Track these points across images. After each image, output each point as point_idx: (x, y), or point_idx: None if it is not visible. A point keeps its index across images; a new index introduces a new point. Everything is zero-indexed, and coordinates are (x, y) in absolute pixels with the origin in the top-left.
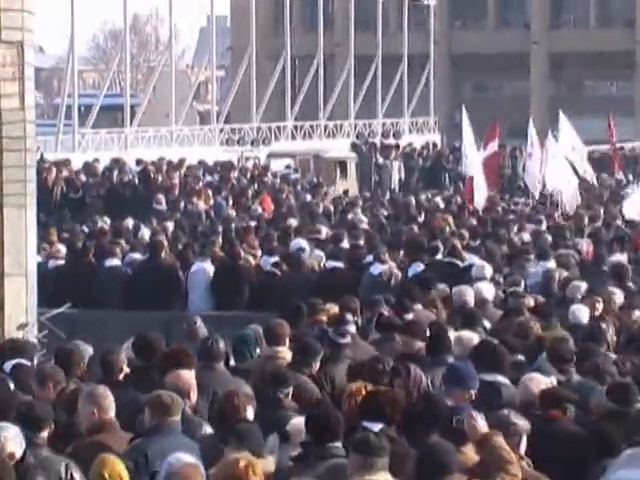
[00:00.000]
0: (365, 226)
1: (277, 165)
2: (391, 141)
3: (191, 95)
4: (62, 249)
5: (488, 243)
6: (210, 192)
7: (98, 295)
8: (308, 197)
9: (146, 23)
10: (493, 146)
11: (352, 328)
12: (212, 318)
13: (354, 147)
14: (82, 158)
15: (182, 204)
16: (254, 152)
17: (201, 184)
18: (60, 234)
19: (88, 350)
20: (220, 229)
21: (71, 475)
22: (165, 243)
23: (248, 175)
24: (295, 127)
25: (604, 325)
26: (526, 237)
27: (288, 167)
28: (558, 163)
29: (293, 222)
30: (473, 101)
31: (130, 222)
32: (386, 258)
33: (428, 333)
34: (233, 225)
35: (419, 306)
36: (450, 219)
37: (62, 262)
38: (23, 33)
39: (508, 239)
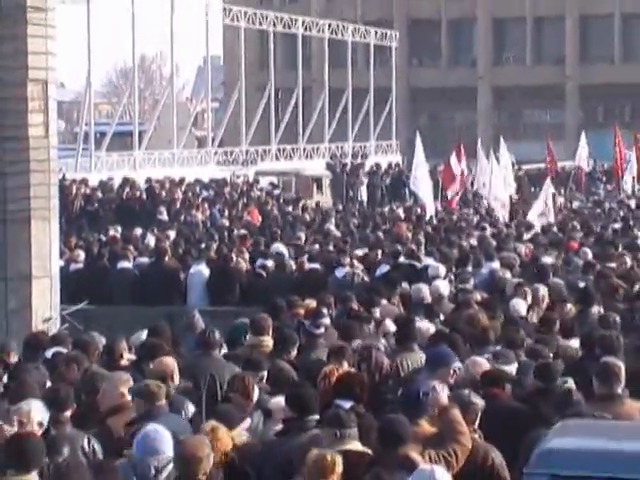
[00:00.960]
0: (337, 233)
1: (263, 182)
2: (359, 161)
3: (190, 123)
4: (81, 254)
5: (442, 247)
6: (206, 205)
7: (111, 293)
8: (289, 209)
9: (152, 62)
10: (459, 167)
11: (327, 320)
12: (207, 312)
13: (328, 166)
14: (97, 177)
15: (182, 215)
16: (244, 171)
17: (199, 198)
18: (79, 241)
19: (102, 340)
20: (215, 236)
21: (93, 448)
22: (168, 249)
23: (238, 190)
24: (278, 149)
25: (532, 314)
26: (473, 242)
27: (272, 184)
28: (499, 180)
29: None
30: (429, 128)
31: (138, 231)
32: (352, 262)
33: (396, 324)
34: (226, 233)
35: (384, 301)
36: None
37: (80, 265)
38: (47, 72)
39: (458, 244)
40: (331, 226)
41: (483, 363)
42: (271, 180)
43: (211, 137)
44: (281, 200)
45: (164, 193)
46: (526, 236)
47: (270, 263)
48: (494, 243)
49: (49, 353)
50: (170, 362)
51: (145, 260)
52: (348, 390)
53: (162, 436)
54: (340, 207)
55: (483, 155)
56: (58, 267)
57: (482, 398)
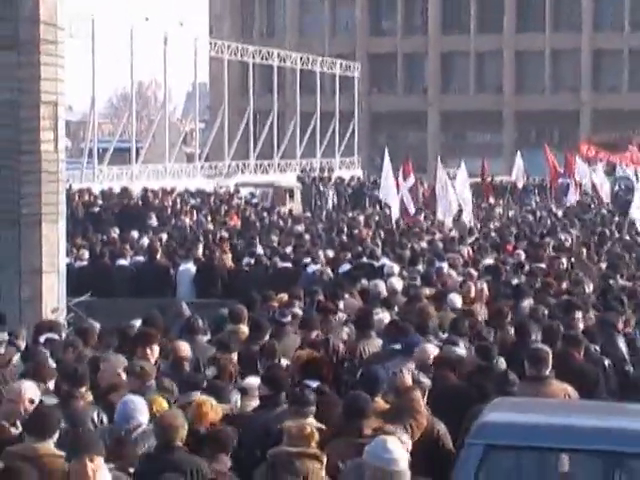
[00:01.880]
0: (307, 237)
1: (243, 192)
2: (326, 174)
3: (180, 141)
4: (85, 253)
5: (396, 249)
6: (194, 211)
7: (111, 287)
8: (265, 215)
9: (147, 88)
10: (411, 179)
11: (297, 311)
12: (193, 304)
13: (299, 179)
14: (100, 187)
15: (173, 220)
16: (226, 182)
17: (187, 206)
18: (83, 242)
19: (97, 327)
20: (201, 239)
21: (101, 419)
22: (159, 249)
23: (221, 199)
24: (256, 164)
25: (476, 306)
26: (424, 245)
27: (251, 193)
28: (448, 193)
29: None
30: (386, 147)
31: (135, 233)
32: (320, 260)
33: (357, 315)
34: (210, 236)
35: (347, 295)
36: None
37: (85, 262)
38: (57, 96)
39: (411, 246)
40: (301, 229)
41: (432, 348)
42: (250, 190)
43: (198, 153)
44: (258, 208)
45: (157, 201)
46: (469, 240)
47: (248, 261)
48: (441, 245)
49: (42, 338)
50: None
51: (140, 258)
52: (315, 371)
53: (137, 405)
54: (309, 214)
55: (441, 167)
56: (65, 263)
57: (433, 379)
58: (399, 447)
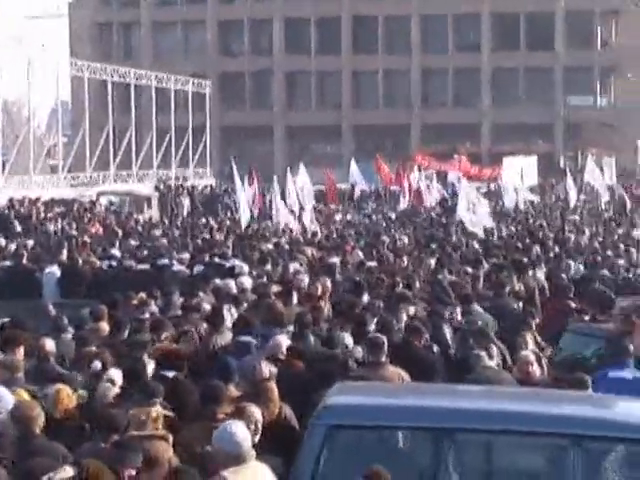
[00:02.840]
0: (164, 240)
1: (104, 200)
2: (181, 183)
3: (44, 153)
4: None
5: (245, 251)
6: (58, 219)
7: None
8: (125, 221)
9: (13, 106)
10: (254, 186)
11: (154, 309)
12: (59, 304)
13: (157, 188)
14: None
15: (39, 227)
16: (88, 192)
17: (51, 213)
18: None
19: None
20: (65, 244)
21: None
22: (25, 254)
23: (84, 207)
24: (116, 174)
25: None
26: (270, 246)
27: (111, 202)
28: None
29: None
30: (235, 158)
31: (1, 240)
32: (177, 262)
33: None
34: (74, 241)
35: (202, 293)
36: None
37: None
38: None
39: (259, 248)
40: (159, 234)
41: (282, 340)
42: (110, 199)
43: (62, 165)
44: (120, 216)
45: (22, 209)
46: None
47: (109, 264)
48: (287, 247)
49: None
50: (50, 344)
51: (8, 263)
52: (171, 363)
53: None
54: (166, 220)
55: (290, 177)
56: None
57: (281, 367)
58: (244, 431)
